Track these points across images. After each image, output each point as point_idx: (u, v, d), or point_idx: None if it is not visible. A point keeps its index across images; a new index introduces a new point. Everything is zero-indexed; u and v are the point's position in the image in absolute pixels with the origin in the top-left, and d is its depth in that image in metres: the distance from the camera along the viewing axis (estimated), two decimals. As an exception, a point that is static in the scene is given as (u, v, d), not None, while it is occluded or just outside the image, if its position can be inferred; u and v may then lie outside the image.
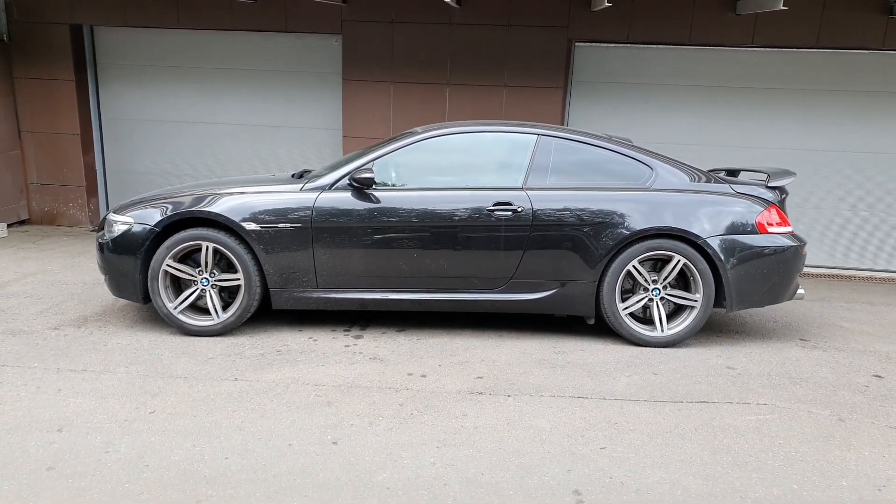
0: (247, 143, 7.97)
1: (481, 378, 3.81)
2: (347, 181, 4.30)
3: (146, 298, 4.35)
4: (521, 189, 4.34)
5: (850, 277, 7.15)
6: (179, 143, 8.09)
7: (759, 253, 4.30)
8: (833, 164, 7.15)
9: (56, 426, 3.08)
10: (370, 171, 4.24)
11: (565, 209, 4.27)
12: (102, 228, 4.48)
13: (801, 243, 4.45)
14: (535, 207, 4.26)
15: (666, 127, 7.26)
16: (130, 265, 4.28)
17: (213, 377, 3.70)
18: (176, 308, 4.30)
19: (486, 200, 4.27)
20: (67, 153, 7.94)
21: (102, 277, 4.55)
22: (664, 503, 2.62)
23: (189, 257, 4.36)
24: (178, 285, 4.41)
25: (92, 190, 8.16)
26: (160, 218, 4.25)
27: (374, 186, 4.30)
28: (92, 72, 8.00)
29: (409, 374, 3.83)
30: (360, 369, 3.88)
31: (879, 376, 4.07)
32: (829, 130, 7.10)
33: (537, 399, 3.54)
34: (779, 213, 4.42)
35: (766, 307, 4.92)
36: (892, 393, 3.80)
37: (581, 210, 4.27)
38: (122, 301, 5.03)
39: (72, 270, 6.02)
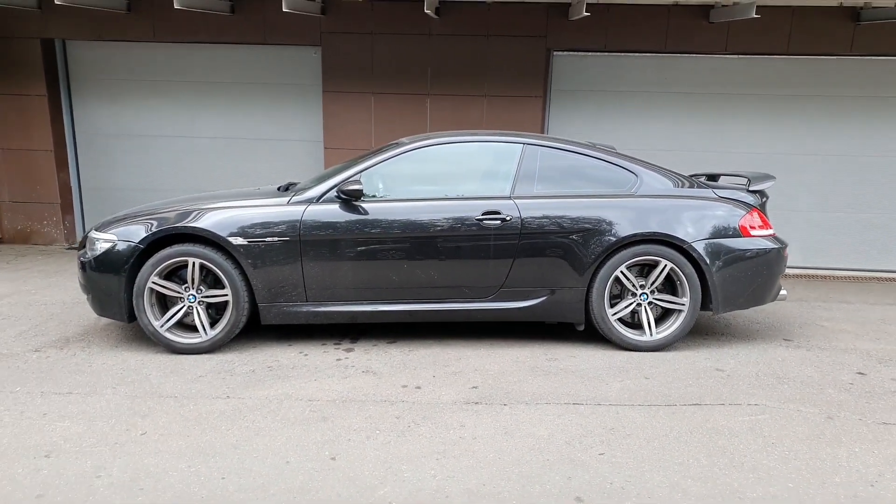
0: (227, 157, 7.90)
1: (476, 388, 3.81)
2: (335, 193, 4.27)
3: (131, 317, 4.27)
4: (509, 198, 4.36)
5: (826, 277, 7.31)
6: (158, 158, 7.98)
7: (742, 256, 4.38)
8: (806, 166, 7.33)
9: (43, 452, 3.00)
10: (358, 182, 4.23)
11: (553, 217, 4.30)
12: (84, 246, 4.40)
13: (783, 245, 4.54)
14: (524, 216, 4.28)
15: (644, 133, 7.37)
16: (114, 283, 4.20)
17: (205, 395, 3.64)
18: (162, 326, 4.23)
19: (474, 210, 4.29)
20: (41, 170, 7.79)
21: (84, 296, 4.46)
22: (666, 507, 2.64)
23: (175, 274, 4.30)
24: (163, 303, 4.34)
25: (67, 207, 8.01)
26: (145, 234, 4.18)
27: (362, 198, 4.28)
28: (65, 87, 7.87)
29: (404, 386, 3.81)
30: (353, 383, 3.85)
31: (863, 373, 4.15)
32: (802, 134, 7.28)
33: (533, 407, 3.55)
34: (760, 217, 4.51)
35: (750, 309, 5.00)
36: (876, 389, 3.89)
37: (569, 217, 4.30)
38: (104, 320, 4.93)
39: (49, 290, 5.89)
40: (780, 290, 4.68)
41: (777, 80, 7.17)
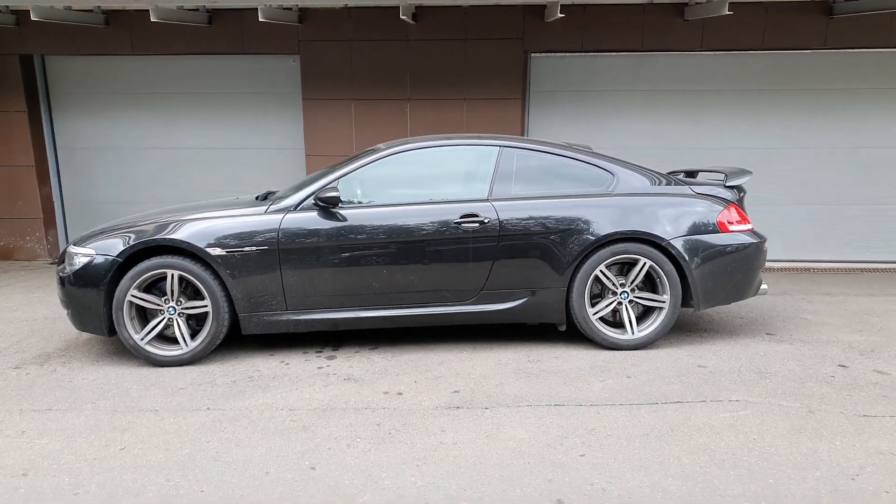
0: (208, 167, 7.88)
1: (458, 392, 3.80)
2: (313, 201, 4.27)
3: (111, 331, 4.24)
4: (487, 200, 4.36)
5: (809, 270, 7.36)
6: (139, 170, 7.96)
7: (721, 251, 4.39)
8: (785, 160, 7.39)
9: (21, 470, 2.97)
10: (335, 189, 4.22)
11: (531, 218, 4.31)
12: (63, 261, 4.37)
13: (762, 239, 4.56)
14: (502, 218, 4.29)
15: (623, 131, 7.41)
16: (94, 297, 4.17)
17: (185, 408, 3.62)
18: (143, 339, 4.21)
19: (452, 213, 4.29)
20: (22, 185, 7.75)
21: (65, 311, 4.44)
22: (645, 506, 2.64)
23: (154, 286, 4.28)
24: (143, 315, 4.31)
25: (50, 222, 7.96)
26: (123, 248, 4.16)
27: (339, 205, 4.28)
28: (45, 101, 7.85)
29: (385, 393, 3.80)
30: (334, 391, 3.84)
31: (844, 366, 4.17)
32: (779, 128, 7.34)
33: (514, 410, 3.54)
34: (738, 212, 4.53)
35: (732, 304, 5.02)
36: (858, 382, 3.90)
37: (546, 218, 4.31)
38: (86, 335, 4.90)
39: (31, 306, 5.85)
40: (761, 284, 4.70)
41: (753, 75, 7.23)
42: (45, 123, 7.87)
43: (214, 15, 7.22)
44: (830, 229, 7.50)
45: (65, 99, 7.87)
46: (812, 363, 4.22)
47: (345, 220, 4.26)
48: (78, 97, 7.86)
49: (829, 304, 5.74)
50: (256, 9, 6.30)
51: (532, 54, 7.29)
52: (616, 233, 4.30)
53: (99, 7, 6.87)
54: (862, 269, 7.35)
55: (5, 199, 7.80)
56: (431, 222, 4.27)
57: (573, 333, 4.59)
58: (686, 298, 4.44)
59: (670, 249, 4.32)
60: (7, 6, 6.67)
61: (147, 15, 6.44)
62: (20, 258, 7.94)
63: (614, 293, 4.42)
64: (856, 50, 7.03)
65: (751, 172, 4.67)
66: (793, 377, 3.97)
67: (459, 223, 4.27)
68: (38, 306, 5.84)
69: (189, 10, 6.88)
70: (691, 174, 4.93)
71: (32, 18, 6.46)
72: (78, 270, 4.21)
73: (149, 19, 6.43)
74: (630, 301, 4.43)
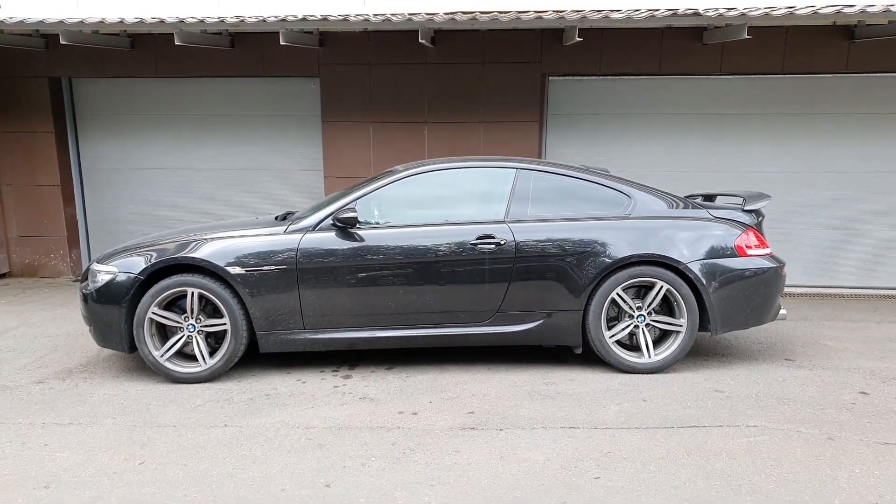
0: (228, 188, 8.01)
1: (472, 413, 3.80)
2: (331, 221, 4.33)
3: (132, 347, 4.31)
4: (503, 222, 4.39)
5: (830, 296, 7.26)
6: (161, 190, 8.10)
7: (739, 275, 4.37)
8: (806, 184, 7.33)
9: (43, 482, 3.02)
10: (353, 210, 4.29)
11: (547, 240, 4.33)
12: (86, 279, 4.46)
13: (781, 264, 4.53)
14: (518, 239, 4.31)
15: (641, 155, 7.41)
16: (115, 314, 4.25)
17: (203, 424, 3.66)
18: (163, 356, 4.26)
19: (468, 234, 4.32)
20: (48, 204, 7.92)
21: (87, 328, 4.51)
22: (661, 531, 2.62)
23: (174, 304, 4.34)
24: (163, 333, 4.38)
25: (73, 240, 8.12)
26: (144, 266, 4.24)
27: (357, 225, 4.33)
28: (71, 123, 8.04)
29: (400, 413, 3.81)
30: (350, 410, 3.85)
31: (865, 393, 4.11)
32: (801, 152, 7.29)
33: (529, 432, 3.54)
34: (756, 236, 4.51)
35: (751, 329, 4.98)
36: (879, 409, 3.84)
37: (563, 240, 4.33)
38: (108, 351, 4.98)
39: (55, 322, 5.95)
40: (779, 309, 4.66)
41: (774, 99, 7.22)
42: (70, 144, 8.05)
43: (237, 39, 7.39)
44: (852, 255, 7.41)
45: (90, 120, 8.07)
46: (832, 389, 4.16)
47: (362, 240, 4.31)
48: (103, 119, 8.05)
49: (850, 331, 5.67)
50: (278, 33, 6.44)
51: (550, 77, 7.36)
52: (633, 255, 4.30)
53: (125, 31, 7.06)
54: (885, 296, 7.24)
55: (31, 217, 7.97)
56: (448, 243, 4.30)
57: (589, 356, 4.58)
58: (703, 322, 4.41)
59: (687, 273, 4.31)
60: (37, 30, 6.89)
61: (171, 39, 6.61)
62: (45, 276, 8.09)
63: (631, 316, 4.41)
64: (879, 74, 6.99)
65: (769, 196, 4.65)
66: (812, 403, 3.92)
67: (476, 244, 4.30)
68: (62, 323, 5.94)
69: (212, 34, 7.05)
70: (709, 198, 4.92)
71: (61, 42, 6.65)
72: (101, 288, 4.29)
73: (173, 43, 6.59)
74: (647, 324, 4.41)
